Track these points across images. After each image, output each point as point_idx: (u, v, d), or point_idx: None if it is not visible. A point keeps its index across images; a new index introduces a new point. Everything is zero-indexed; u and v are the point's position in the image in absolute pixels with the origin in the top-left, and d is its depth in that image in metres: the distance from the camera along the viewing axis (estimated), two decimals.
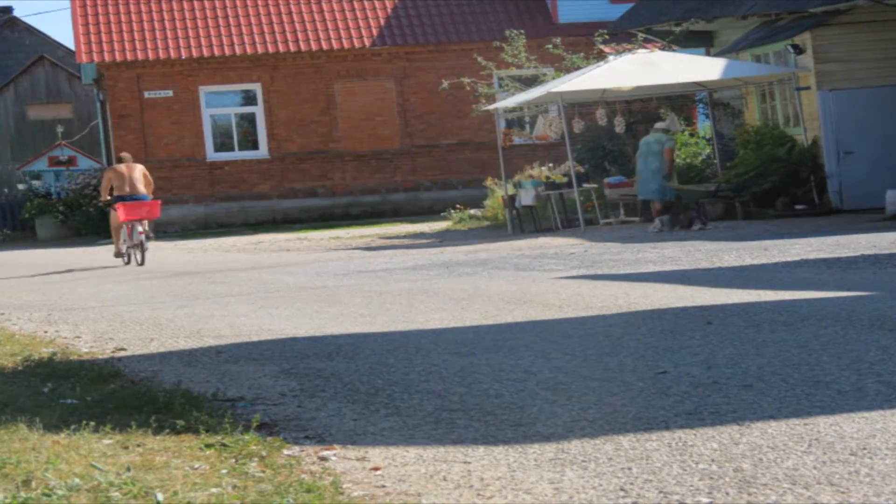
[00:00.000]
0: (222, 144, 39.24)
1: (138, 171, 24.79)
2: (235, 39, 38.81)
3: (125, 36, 38.61)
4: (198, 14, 39.31)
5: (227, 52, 38.55)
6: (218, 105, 39.02)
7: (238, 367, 9.72)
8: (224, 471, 6.25)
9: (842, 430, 6.35)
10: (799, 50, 25.71)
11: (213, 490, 5.84)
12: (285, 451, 6.65)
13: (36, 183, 44.50)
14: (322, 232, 33.29)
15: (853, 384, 7.45)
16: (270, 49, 38.65)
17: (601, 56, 30.42)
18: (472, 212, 32.12)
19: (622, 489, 5.60)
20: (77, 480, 5.95)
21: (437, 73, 37.29)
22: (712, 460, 5.96)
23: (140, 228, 24.02)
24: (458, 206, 33.30)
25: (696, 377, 7.94)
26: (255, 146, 39.15)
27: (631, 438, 6.46)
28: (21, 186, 44.93)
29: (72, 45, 44.47)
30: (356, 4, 39.75)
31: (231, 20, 39.20)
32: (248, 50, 38.64)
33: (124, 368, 9.88)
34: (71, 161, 45.04)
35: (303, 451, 6.70)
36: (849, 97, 25.26)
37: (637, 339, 9.88)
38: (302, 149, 39.01)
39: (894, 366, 7.95)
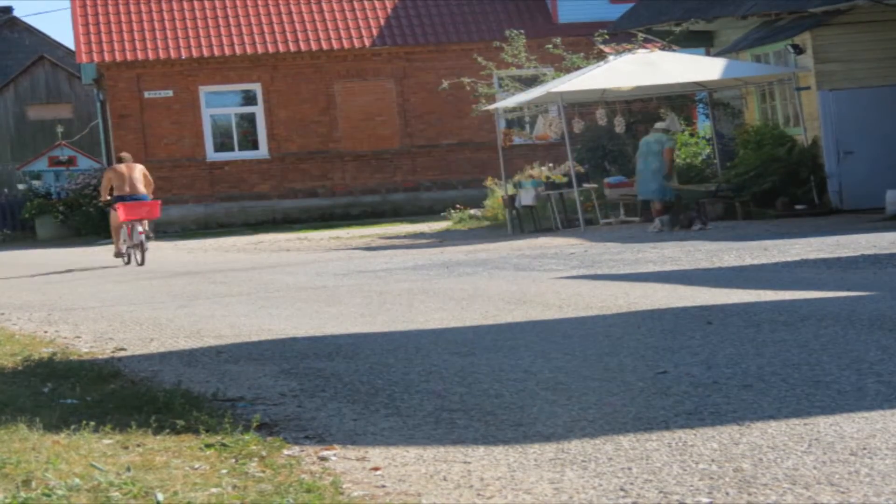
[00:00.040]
0: (222, 144, 39.24)
1: (138, 172, 24.79)
2: (235, 39, 38.81)
3: (125, 36, 38.62)
4: (198, 14, 39.32)
5: (227, 52, 38.55)
6: (218, 105, 39.03)
7: (238, 367, 9.72)
8: (224, 471, 6.25)
9: (842, 430, 6.35)
10: (799, 50, 25.71)
11: (213, 490, 5.84)
12: (285, 451, 6.65)
13: (36, 183, 44.50)
14: (322, 232, 33.29)
15: (853, 384, 7.45)
16: (270, 49, 38.65)
17: (601, 56, 30.42)
18: (472, 212, 32.13)
19: (622, 489, 5.60)
20: (77, 480, 5.95)
21: (437, 73, 37.29)
22: (712, 460, 5.96)
23: (140, 228, 24.02)
24: (458, 206, 33.30)
25: (696, 377, 7.94)
26: (255, 146, 39.16)
27: (631, 438, 6.46)
28: (21, 186, 44.94)
29: (72, 45, 44.49)
30: (356, 4, 39.75)
31: (231, 20, 39.20)
32: (248, 50, 38.65)
33: (124, 368, 9.88)
34: (71, 161, 45.04)
35: (303, 451, 6.70)
36: (849, 97, 25.26)
37: (637, 339, 9.88)
38: (302, 149, 39.01)
39: (894, 366, 7.94)
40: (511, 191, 28.46)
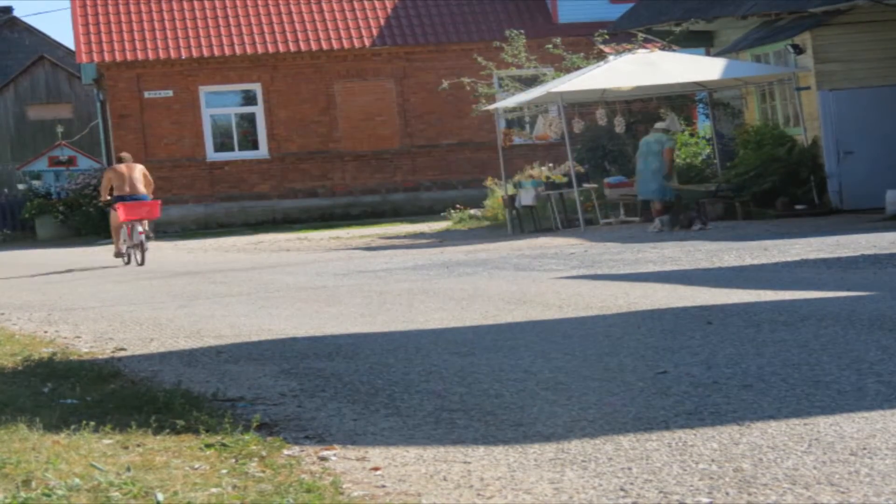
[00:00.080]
0: (222, 144, 39.24)
1: (138, 172, 24.79)
2: (235, 39, 38.81)
3: (125, 36, 38.62)
4: (198, 14, 39.32)
5: (227, 52, 38.55)
6: (218, 105, 39.03)
7: (238, 367, 9.72)
8: (224, 471, 6.25)
9: (842, 430, 6.35)
10: (799, 50, 25.71)
11: (213, 490, 5.84)
12: (285, 451, 6.65)
13: (36, 183, 44.51)
14: (322, 232, 33.29)
15: (853, 384, 7.45)
16: (270, 49, 38.65)
17: (601, 56, 30.42)
18: (472, 212, 32.13)
19: (622, 489, 5.60)
20: (77, 480, 5.95)
21: (437, 73, 37.29)
22: (712, 460, 5.96)
23: (140, 228, 24.02)
24: (458, 206, 33.30)
25: (696, 377, 7.94)
26: (255, 146, 39.16)
27: (631, 438, 6.46)
28: (21, 186, 44.94)
29: (72, 45, 44.50)
30: (356, 4, 39.75)
31: (231, 20, 39.20)
32: (248, 50, 38.65)
33: (124, 368, 9.88)
34: (71, 161, 45.04)
35: (303, 451, 6.69)
36: (849, 97, 25.27)
37: (637, 339, 9.88)
38: (302, 149, 39.01)
39: (894, 366, 7.94)
40: (511, 191, 28.45)
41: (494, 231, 28.31)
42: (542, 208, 27.98)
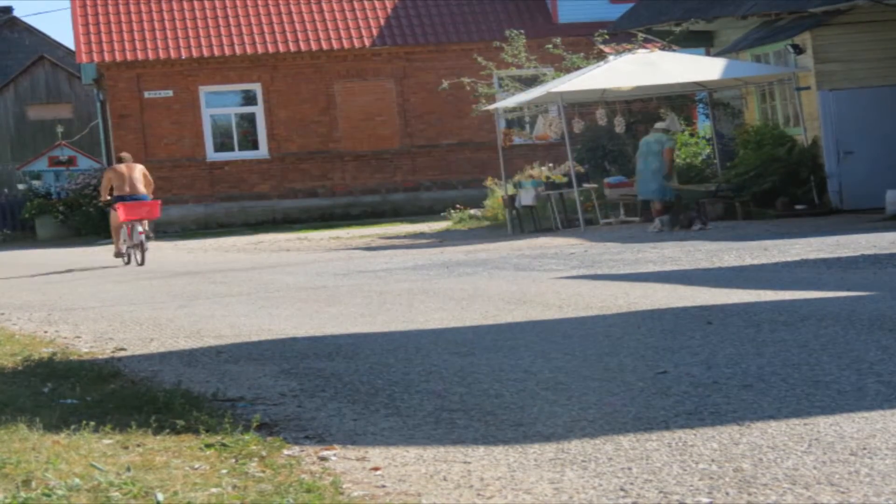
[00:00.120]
0: (222, 144, 39.24)
1: (138, 171, 24.79)
2: (235, 39, 38.81)
3: (125, 36, 38.62)
4: (198, 14, 39.32)
5: (227, 52, 38.56)
6: (218, 105, 39.03)
7: (238, 367, 9.72)
8: (224, 471, 6.25)
9: (842, 430, 6.35)
10: (799, 50, 25.71)
11: (213, 490, 5.84)
12: (285, 451, 6.65)
13: (36, 183, 44.51)
14: (322, 232, 33.29)
15: (853, 384, 7.45)
16: (270, 49, 38.65)
17: (601, 56, 30.42)
18: (472, 212, 32.12)
19: (622, 489, 5.60)
20: (77, 480, 5.95)
21: (437, 73, 37.29)
22: (712, 460, 5.95)
23: (140, 228, 24.02)
24: (458, 206, 33.30)
25: (696, 377, 7.94)
26: (255, 146, 39.16)
27: (631, 438, 6.46)
28: (21, 186, 44.94)
29: (72, 45, 44.50)
30: (356, 4, 39.75)
31: (231, 20, 39.20)
32: (248, 50, 38.65)
33: (124, 368, 9.88)
34: (71, 161, 45.05)
35: (303, 451, 6.69)
36: (849, 97, 25.27)
37: (637, 339, 9.88)
38: (302, 149, 39.01)
39: (894, 366, 7.94)
40: (511, 191, 28.45)
41: (494, 231, 28.31)
42: (542, 208, 27.98)
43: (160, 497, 5.68)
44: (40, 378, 9.40)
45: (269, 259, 24.24)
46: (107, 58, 38.10)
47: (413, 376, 8.69)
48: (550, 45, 32.27)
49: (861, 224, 21.49)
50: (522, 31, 33.48)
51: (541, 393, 7.81)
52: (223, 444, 6.75)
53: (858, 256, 15.91)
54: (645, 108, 30.83)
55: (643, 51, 27.52)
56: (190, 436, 7.00)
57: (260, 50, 38.61)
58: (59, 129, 47.10)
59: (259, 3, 39.58)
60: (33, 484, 5.96)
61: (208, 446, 6.75)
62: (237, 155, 38.98)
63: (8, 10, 57.37)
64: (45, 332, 13.16)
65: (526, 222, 27.67)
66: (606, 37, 31.42)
